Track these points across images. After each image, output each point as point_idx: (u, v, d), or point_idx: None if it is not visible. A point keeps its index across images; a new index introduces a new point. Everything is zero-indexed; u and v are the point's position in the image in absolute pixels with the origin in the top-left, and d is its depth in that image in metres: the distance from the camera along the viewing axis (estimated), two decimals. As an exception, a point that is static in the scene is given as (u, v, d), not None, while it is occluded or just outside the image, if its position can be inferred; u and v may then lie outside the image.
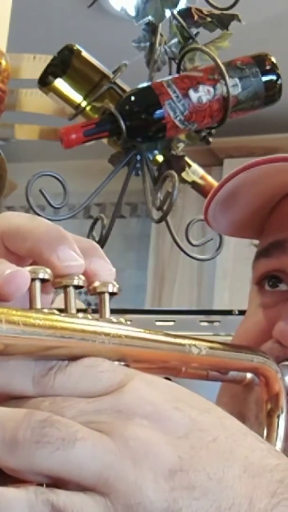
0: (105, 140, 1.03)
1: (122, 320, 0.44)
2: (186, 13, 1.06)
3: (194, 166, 1.07)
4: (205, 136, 1.04)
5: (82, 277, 0.43)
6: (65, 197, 0.95)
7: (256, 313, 0.69)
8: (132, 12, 1.07)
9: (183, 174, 1.05)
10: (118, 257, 4.00)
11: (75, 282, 0.42)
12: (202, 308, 3.14)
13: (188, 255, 1.03)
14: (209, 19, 1.05)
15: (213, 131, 1.03)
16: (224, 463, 0.40)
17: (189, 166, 1.07)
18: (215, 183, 1.09)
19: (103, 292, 0.44)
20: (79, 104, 1.01)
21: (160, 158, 1.04)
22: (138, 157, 1.02)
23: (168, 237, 1.09)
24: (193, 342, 0.46)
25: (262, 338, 0.65)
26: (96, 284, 0.44)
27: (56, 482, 0.37)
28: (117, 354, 0.42)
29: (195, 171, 1.07)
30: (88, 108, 1.01)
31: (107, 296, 0.44)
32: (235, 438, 0.42)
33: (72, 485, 0.37)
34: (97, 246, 0.46)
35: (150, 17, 1.05)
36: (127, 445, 0.38)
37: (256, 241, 0.74)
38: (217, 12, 1.06)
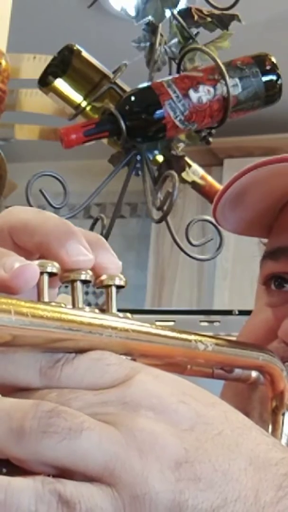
0: (105, 140, 1.03)
1: (129, 315, 0.44)
2: (186, 13, 1.06)
3: (194, 166, 1.07)
4: (205, 136, 1.04)
5: (90, 272, 0.43)
6: (65, 197, 0.95)
7: (263, 311, 0.69)
8: (132, 12, 1.07)
9: (183, 174, 1.05)
10: (118, 257, 3.99)
11: (83, 277, 0.43)
12: (202, 308, 3.14)
13: (188, 255, 1.03)
14: (209, 19, 1.05)
15: (213, 131, 1.03)
16: (229, 456, 0.40)
17: (189, 166, 1.07)
18: (215, 183, 1.09)
19: (110, 286, 0.44)
20: (79, 104, 1.01)
21: (160, 158, 1.04)
22: (138, 157, 1.02)
23: (168, 237, 1.09)
24: (200, 338, 0.46)
25: (268, 336, 0.65)
26: (103, 277, 0.44)
27: (63, 473, 0.37)
28: (123, 348, 0.42)
29: (195, 171, 1.07)
30: (88, 108, 1.01)
31: (114, 290, 0.44)
32: (240, 431, 0.42)
33: (79, 476, 0.37)
34: (103, 239, 0.46)
35: (150, 17, 1.05)
36: (133, 436, 0.38)
37: (265, 240, 0.75)
38: (217, 12, 1.05)
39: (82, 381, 0.40)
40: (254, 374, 0.54)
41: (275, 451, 0.42)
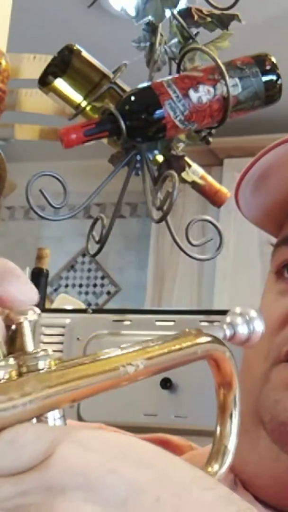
0: (105, 140, 1.03)
1: (49, 351, 0.40)
2: (186, 13, 1.06)
3: (194, 166, 1.07)
4: (205, 136, 1.04)
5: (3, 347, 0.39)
6: (65, 197, 0.95)
7: (276, 300, 0.67)
8: (132, 12, 1.07)
9: (183, 174, 1.05)
10: (118, 257, 3.99)
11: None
12: (202, 308, 3.14)
13: (188, 255, 1.03)
14: (209, 19, 1.05)
15: (213, 131, 1.03)
16: None
17: (189, 166, 1.07)
18: (215, 183, 1.09)
19: (20, 322, 0.40)
20: (79, 104, 1.01)
21: (160, 158, 1.04)
22: (138, 157, 1.02)
23: (168, 237, 1.09)
24: (128, 359, 0.42)
25: (280, 324, 0.63)
26: (12, 315, 0.40)
27: None
28: (46, 408, 0.39)
29: (195, 171, 1.07)
30: (88, 108, 1.01)
31: (27, 324, 0.40)
32: (179, 493, 0.38)
33: None
34: (12, 267, 0.41)
35: (150, 17, 1.05)
36: None
37: (273, 240, 0.73)
38: (217, 12, 1.05)
39: None
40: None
41: (219, 508, 0.39)
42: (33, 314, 0.40)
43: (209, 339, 0.50)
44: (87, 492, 0.36)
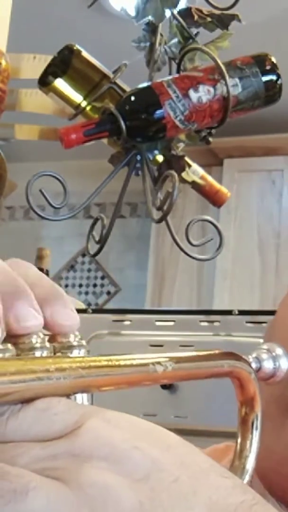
0: (105, 140, 1.03)
1: (83, 342, 0.42)
2: (186, 13, 1.06)
3: (194, 166, 1.07)
4: (205, 136, 1.04)
5: (41, 335, 0.41)
6: (65, 197, 0.95)
7: None
8: (132, 12, 1.07)
9: (183, 174, 1.05)
10: (118, 257, 4.00)
11: (33, 343, 0.40)
12: (202, 308, 3.14)
13: (188, 255, 1.03)
14: (209, 19, 1.05)
15: (213, 131, 1.03)
16: (186, 505, 0.39)
17: (189, 166, 1.07)
18: (215, 183, 1.09)
19: (71, 347, 0.42)
20: (79, 104, 1.01)
21: (160, 158, 1.04)
22: (138, 157, 1.02)
23: (168, 237, 1.09)
24: (158, 359, 0.44)
25: None
26: (59, 339, 0.42)
27: None
28: (76, 388, 0.40)
29: (195, 171, 1.07)
30: (88, 108, 1.01)
31: (74, 351, 0.42)
32: (198, 476, 0.40)
33: None
34: (58, 289, 0.43)
35: (150, 17, 1.05)
36: (84, 492, 0.36)
37: None
38: (217, 12, 1.05)
39: (29, 433, 0.38)
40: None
41: (235, 495, 0.41)
42: (74, 338, 0.42)
43: (237, 357, 0.52)
44: (112, 463, 0.37)
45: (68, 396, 0.40)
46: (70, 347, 0.42)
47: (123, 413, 0.40)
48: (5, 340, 0.39)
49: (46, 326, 0.41)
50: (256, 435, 0.52)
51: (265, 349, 0.56)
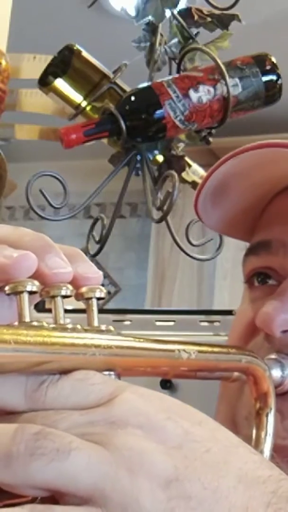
0: (105, 140, 1.03)
1: (111, 327, 0.44)
2: (186, 13, 1.06)
3: (194, 166, 1.07)
4: (205, 136, 1.04)
5: (70, 287, 0.43)
6: (65, 197, 0.95)
7: (246, 308, 0.68)
8: (132, 12, 1.07)
9: (183, 174, 1.05)
10: (118, 257, 4.00)
11: (63, 292, 0.42)
12: (202, 308, 3.15)
13: (188, 255, 1.03)
14: (209, 19, 1.05)
15: (213, 131, 1.03)
16: (218, 474, 0.40)
17: (189, 166, 1.07)
18: (215, 183, 1.09)
19: (91, 298, 0.44)
20: (79, 104, 1.01)
21: (160, 158, 1.04)
22: (138, 157, 1.02)
23: (168, 237, 1.09)
24: (182, 347, 0.46)
25: (251, 331, 0.64)
26: (83, 290, 0.44)
27: (53, 495, 0.37)
28: (107, 365, 0.42)
29: (195, 171, 1.07)
30: (88, 108, 1.01)
31: (94, 302, 0.44)
32: (228, 449, 0.42)
33: (69, 497, 0.37)
34: (81, 252, 0.46)
35: (150, 17, 1.05)
36: (122, 455, 0.38)
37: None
38: (217, 12, 1.06)
39: (67, 402, 0.40)
40: (236, 372, 0.54)
41: (263, 469, 0.42)
42: (100, 292, 0.44)
43: (254, 355, 0.53)
44: (147, 432, 0.39)
45: (99, 371, 0.42)
46: (99, 332, 0.43)
47: (154, 391, 0.42)
48: (38, 293, 0.42)
49: (73, 281, 0.44)
50: (269, 433, 0.53)
51: (273, 358, 0.57)
